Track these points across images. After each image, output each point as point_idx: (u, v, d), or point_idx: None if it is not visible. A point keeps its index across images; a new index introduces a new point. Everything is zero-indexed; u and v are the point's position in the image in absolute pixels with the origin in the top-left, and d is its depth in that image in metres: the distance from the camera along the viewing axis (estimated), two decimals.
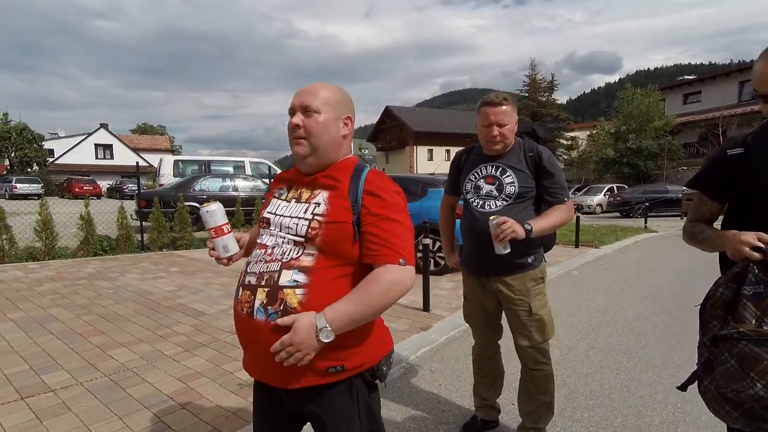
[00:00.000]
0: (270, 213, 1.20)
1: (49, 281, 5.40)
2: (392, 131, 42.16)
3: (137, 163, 7.83)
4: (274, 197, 1.23)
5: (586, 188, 21.77)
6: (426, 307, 4.21)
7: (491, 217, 1.71)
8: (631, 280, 5.87)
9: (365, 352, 1.13)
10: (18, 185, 26.09)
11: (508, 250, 1.73)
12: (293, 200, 1.16)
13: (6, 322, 3.83)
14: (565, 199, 1.92)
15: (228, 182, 10.76)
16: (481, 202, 1.93)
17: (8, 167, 33.37)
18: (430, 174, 7.08)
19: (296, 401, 1.14)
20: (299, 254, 1.08)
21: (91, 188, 27.60)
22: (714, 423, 2.27)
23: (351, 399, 1.12)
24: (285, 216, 1.14)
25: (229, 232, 1.24)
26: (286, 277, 1.07)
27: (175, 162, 12.07)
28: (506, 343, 2.13)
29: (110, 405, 2.40)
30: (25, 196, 24.76)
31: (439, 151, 40.43)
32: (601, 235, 9.90)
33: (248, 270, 1.14)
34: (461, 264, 2.15)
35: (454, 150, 38.59)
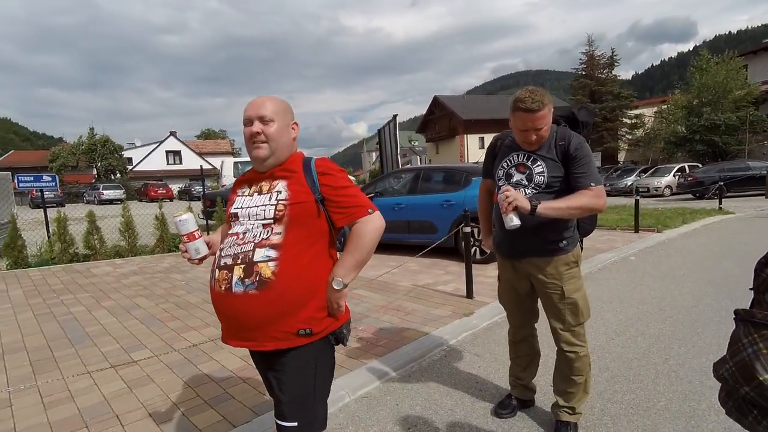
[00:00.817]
0: (237, 208, 1.41)
1: (132, 275, 6.13)
2: (441, 121, 41.65)
3: (201, 166, 8.54)
4: (238, 196, 1.43)
5: (653, 169, 20.18)
6: (469, 294, 4.28)
7: (500, 189, 1.80)
8: (694, 265, 5.49)
9: (328, 319, 1.38)
10: (105, 192, 29.26)
11: (517, 223, 1.73)
12: (255, 194, 1.38)
13: (100, 309, 4.46)
14: (591, 184, 1.85)
15: None
16: None
17: (96, 176, 37.47)
18: (475, 163, 7.05)
19: (266, 361, 1.39)
20: (269, 235, 1.31)
21: (164, 192, 30.24)
22: None
23: (309, 357, 1.35)
24: (251, 207, 1.36)
25: (200, 237, 1.47)
26: (260, 254, 1.29)
27: (235, 164, 12.92)
28: (544, 323, 2.16)
29: (184, 378, 2.77)
30: (110, 201, 27.68)
31: (491, 139, 39.27)
32: (666, 218, 9.23)
33: (223, 254, 1.35)
34: (494, 247, 2.21)
35: None
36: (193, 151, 45.57)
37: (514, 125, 1.91)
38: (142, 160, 43.38)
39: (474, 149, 38.36)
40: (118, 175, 38.09)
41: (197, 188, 30.24)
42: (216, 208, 8.31)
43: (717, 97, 21.91)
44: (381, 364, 2.87)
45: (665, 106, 26.30)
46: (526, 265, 2.03)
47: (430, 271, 5.54)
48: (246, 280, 1.28)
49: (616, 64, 32.33)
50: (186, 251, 1.45)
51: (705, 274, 5.02)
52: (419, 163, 37.86)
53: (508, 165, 2.01)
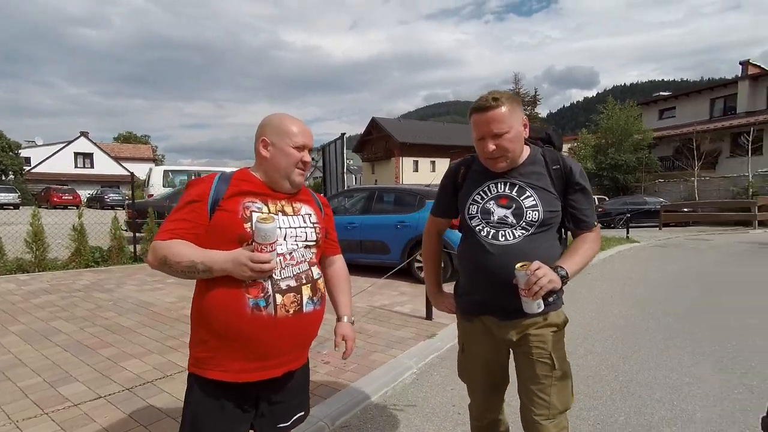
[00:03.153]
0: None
1: (44, 293, 5.33)
2: (378, 142, 42.53)
3: (132, 174, 7.78)
4: (253, 212, 1.28)
5: None
6: (429, 315, 4.34)
7: (518, 265, 1.32)
8: (620, 289, 6.13)
9: None
10: None
11: (543, 308, 1.38)
12: (279, 213, 1.34)
13: (8, 335, 3.79)
14: (595, 223, 1.54)
15: None
16: (492, 231, 1.48)
17: None
18: (426, 186, 7.27)
19: (270, 388, 1.38)
20: (312, 254, 1.40)
21: (71, 198, 26.98)
22: (708, 419, 2.47)
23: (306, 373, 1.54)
24: (291, 227, 1.35)
25: None
26: (315, 272, 1.39)
27: (165, 172, 12.00)
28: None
29: (133, 415, 2.44)
30: (0, 206, 23.99)
31: (425, 163, 40.93)
32: None
33: (280, 277, 1.28)
34: (458, 308, 1.66)
35: (440, 162, 39.41)
36: (108, 155, 41.44)
37: (474, 139, 1.49)
38: (43, 161, 38.40)
39: (409, 171, 39.60)
40: (12, 176, 33.25)
41: (112, 196, 27.43)
42: (147, 220, 7.58)
43: (620, 140, 25.04)
44: (355, 391, 2.77)
45: (576, 144, 29.48)
46: (506, 328, 1.51)
47: (384, 292, 5.53)
48: (314, 297, 1.36)
49: (538, 102, 35.71)
50: (270, 261, 1.23)
51: (628, 297, 5.61)
52: (354, 183, 38.16)
53: (483, 197, 1.52)
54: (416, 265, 6.01)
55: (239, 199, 1.31)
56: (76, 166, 39.76)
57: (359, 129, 49.06)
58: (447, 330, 4.00)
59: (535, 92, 35.39)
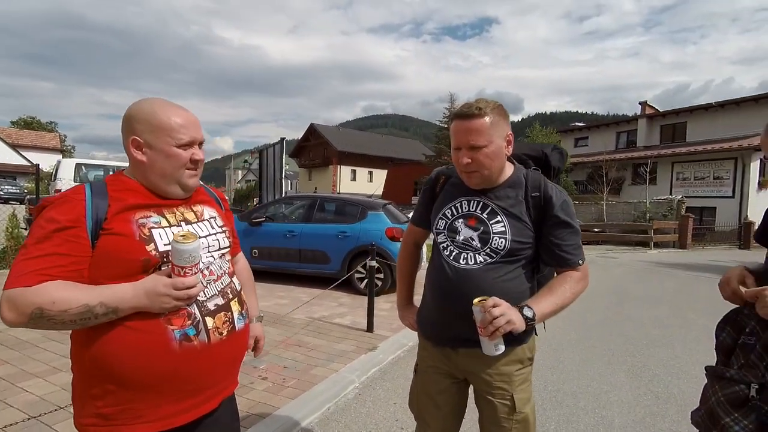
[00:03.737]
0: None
1: None
2: (316, 149, 42.06)
3: (38, 165, 6.86)
4: (152, 228, 1.07)
5: None
6: (370, 328, 4.31)
7: (476, 300, 1.21)
8: None
9: None
10: None
11: (502, 351, 1.23)
12: (182, 223, 1.14)
13: None
14: (580, 262, 1.36)
15: None
16: (455, 251, 1.39)
17: None
18: (369, 196, 7.30)
19: (212, 420, 1.19)
20: (228, 263, 1.25)
21: None
22: (625, 425, 2.72)
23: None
24: (201, 237, 1.15)
25: None
26: (237, 283, 1.26)
27: (77, 165, 10.72)
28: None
29: None
30: None
31: (362, 172, 41.20)
32: None
33: (205, 296, 1.11)
34: (419, 325, 1.57)
35: (378, 173, 39.90)
36: (4, 141, 36.29)
37: (451, 147, 1.38)
38: None
39: (346, 180, 39.57)
40: None
41: (6, 188, 24.05)
42: None
43: None
44: (296, 408, 2.65)
45: None
46: (464, 358, 1.41)
47: (323, 303, 5.41)
48: (242, 311, 1.24)
49: None
50: (194, 287, 1.05)
51: None
52: (290, 189, 37.21)
53: (453, 214, 1.43)
54: (356, 276, 5.97)
55: (128, 215, 1.05)
56: None
57: (296, 134, 48.31)
58: (388, 342, 4.00)
59: None
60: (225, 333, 1.14)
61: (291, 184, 41.29)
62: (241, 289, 1.27)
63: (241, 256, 1.48)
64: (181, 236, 1.03)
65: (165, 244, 1.06)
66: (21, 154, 35.01)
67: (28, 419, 2.32)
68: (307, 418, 2.60)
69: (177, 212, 1.16)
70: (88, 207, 1.02)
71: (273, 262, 6.39)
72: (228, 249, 1.26)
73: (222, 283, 1.19)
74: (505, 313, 1.17)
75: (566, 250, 1.35)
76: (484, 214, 1.37)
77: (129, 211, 1.06)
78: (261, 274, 5.99)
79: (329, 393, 2.91)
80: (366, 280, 5.97)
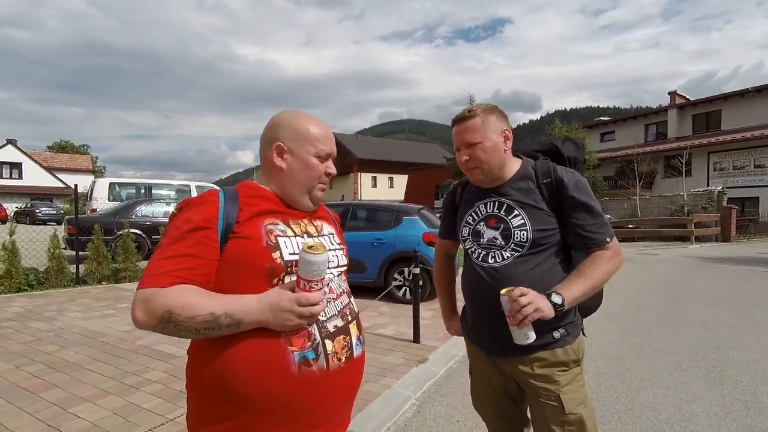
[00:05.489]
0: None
1: None
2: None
3: (76, 186, 7.00)
4: (278, 236, 1.02)
5: None
6: (416, 338, 4.13)
7: (503, 291, 1.21)
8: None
9: None
10: None
11: (533, 339, 1.22)
12: (305, 235, 1.09)
13: None
14: (607, 240, 1.33)
15: (173, 208, 10.01)
16: (483, 253, 1.41)
17: None
18: (401, 201, 7.13)
19: None
20: (345, 283, 1.17)
21: None
22: None
23: None
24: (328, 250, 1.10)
25: None
26: (354, 304, 1.16)
27: (111, 185, 11.02)
28: None
29: None
30: None
31: (383, 179, 41.18)
32: None
33: (325, 317, 1.03)
34: (464, 332, 1.61)
35: (398, 178, 39.90)
36: (41, 165, 37.99)
37: (456, 153, 1.45)
38: None
39: (367, 187, 39.62)
40: None
41: (44, 209, 25.05)
42: (93, 237, 6.81)
43: None
44: (355, 428, 2.49)
45: None
46: (508, 365, 1.43)
47: (363, 313, 5.24)
48: (360, 336, 1.14)
49: None
50: (318, 304, 0.96)
51: (601, 311, 5.71)
52: None
53: (474, 219, 1.46)
54: (394, 284, 5.80)
55: (258, 221, 1.02)
56: (1, 177, 36.03)
57: None
58: (438, 353, 3.81)
59: None
60: (343, 359, 1.04)
61: None
62: (359, 312, 1.18)
63: None
64: (310, 246, 0.94)
65: (290, 254, 1.01)
66: (56, 177, 36.53)
67: None
68: None
69: (302, 224, 1.11)
70: (220, 209, 1.00)
71: None
72: (345, 267, 1.19)
73: (341, 303, 1.10)
74: (533, 302, 1.18)
75: (589, 230, 1.33)
76: (502, 212, 1.41)
77: (259, 217, 1.03)
78: None
79: (387, 411, 2.74)
80: (404, 288, 5.84)
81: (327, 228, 1.19)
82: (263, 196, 1.09)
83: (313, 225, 1.15)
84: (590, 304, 1.51)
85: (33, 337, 4.14)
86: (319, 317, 1.00)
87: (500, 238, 1.38)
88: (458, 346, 3.85)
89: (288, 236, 1.04)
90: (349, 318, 1.10)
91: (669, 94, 27.00)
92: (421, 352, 3.83)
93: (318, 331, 1.00)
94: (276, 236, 1.02)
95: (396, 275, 5.88)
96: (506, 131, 1.39)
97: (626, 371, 3.54)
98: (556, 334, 1.35)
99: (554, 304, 1.21)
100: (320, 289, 0.96)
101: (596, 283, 1.28)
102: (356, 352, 1.08)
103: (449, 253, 1.74)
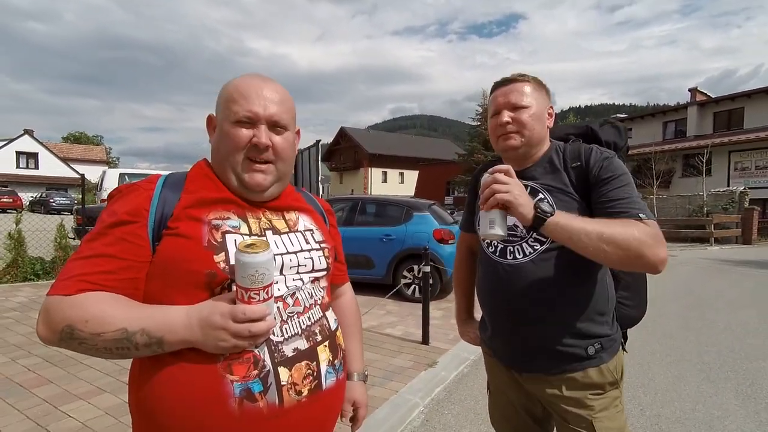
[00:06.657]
0: None
1: None
2: (347, 152, 42.16)
3: (83, 176, 6.95)
4: (227, 233, 0.81)
5: None
6: (425, 340, 3.95)
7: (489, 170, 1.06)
8: None
9: None
10: None
11: (498, 234, 1.00)
12: (269, 232, 0.87)
13: None
14: (641, 215, 1.03)
15: None
16: (500, 245, 1.22)
17: None
18: (411, 197, 6.94)
19: None
20: (323, 292, 0.93)
21: (11, 201, 24.70)
22: None
23: None
24: (289, 253, 0.87)
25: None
26: (332, 320, 0.93)
27: (121, 175, 10.98)
28: None
29: None
30: None
31: (393, 174, 40.94)
32: None
33: (281, 336, 0.80)
34: (483, 342, 1.40)
35: (408, 174, 39.62)
36: (56, 155, 38.52)
37: (489, 119, 1.26)
38: None
39: (377, 182, 39.41)
40: None
41: (58, 199, 25.38)
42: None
43: None
44: None
45: None
46: (530, 383, 1.24)
47: (370, 312, 5.09)
48: (335, 361, 0.89)
49: None
50: (267, 317, 0.75)
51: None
52: (321, 192, 37.46)
53: None
54: (403, 282, 5.62)
55: (200, 213, 0.81)
56: (18, 167, 36.60)
57: (326, 138, 48.75)
58: (447, 357, 3.62)
59: None
60: (305, 392, 0.81)
61: (322, 188, 41.75)
62: (337, 329, 0.93)
63: (348, 288, 1.17)
64: (248, 245, 0.74)
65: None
66: (71, 167, 37.04)
67: None
68: None
69: (263, 218, 0.88)
70: (154, 198, 0.80)
71: None
72: (325, 273, 0.93)
73: (309, 318, 0.86)
74: (508, 184, 0.99)
75: (617, 203, 1.07)
76: None
77: (201, 208, 0.81)
78: None
79: (393, 419, 2.57)
80: (413, 286, 5.65)
81: (305, 222, 0.95)
82: (211, 178, 0.87)
83: (283, 219, 0.91)
84: (632, 313, 1.31)
85: (33, 328, 4.04)
86: (271, 337, 0.78)
87: (521, 228, 1.17)
88: (470, 348, 3.66)
89: (242, 233, 0.82)
90: (319, 338, 0.86)
91: (689, 90, 26.18)
92: (430, 355, 3.65)
93: (269, 355, 0.78)
94: (224, 233, 0.80)
95: (405, 273, 5.69)
96: (551, 108, 1.26)
97: (650, 381, 3.32)
98: (591, 350, 1.14)
99: (538, 207, 0.98)
100: (265, 300, 0.74)
101: (607, 233, 0.97)
102: (326, 383, 0.85)
103: (472, 248, 1.50)
